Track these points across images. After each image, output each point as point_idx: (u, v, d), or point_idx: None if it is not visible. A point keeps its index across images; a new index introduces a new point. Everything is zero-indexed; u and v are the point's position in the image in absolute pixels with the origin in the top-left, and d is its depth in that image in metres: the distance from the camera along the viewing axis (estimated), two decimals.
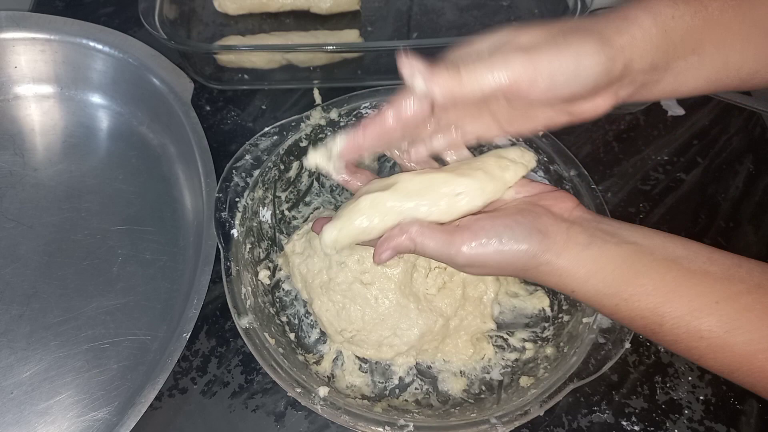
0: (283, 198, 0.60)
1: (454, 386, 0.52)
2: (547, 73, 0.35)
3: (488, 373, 0.53)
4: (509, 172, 0.43)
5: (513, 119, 0.42)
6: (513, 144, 0.55)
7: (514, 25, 0.38)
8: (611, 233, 0.39)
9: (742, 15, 0.39)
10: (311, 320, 0.55)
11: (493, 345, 0.54)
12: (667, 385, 0.54)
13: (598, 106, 0.39)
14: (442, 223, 0.41)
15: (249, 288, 0.51)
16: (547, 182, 0.58)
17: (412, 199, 0.41)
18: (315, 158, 0.44)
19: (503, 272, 0.41)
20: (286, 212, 0.60)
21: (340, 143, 0.42)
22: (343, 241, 0.42)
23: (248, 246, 0.54)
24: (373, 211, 0.41)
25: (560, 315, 0.54)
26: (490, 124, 0.43)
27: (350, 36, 0.73)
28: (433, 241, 0.39)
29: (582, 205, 0.42)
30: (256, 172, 0.55)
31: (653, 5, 0.38)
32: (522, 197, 0.43)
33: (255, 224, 0.56)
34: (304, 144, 0.59)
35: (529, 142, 0.58)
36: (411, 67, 0.37)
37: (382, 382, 0.53)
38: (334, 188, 0.63)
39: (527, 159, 0.44)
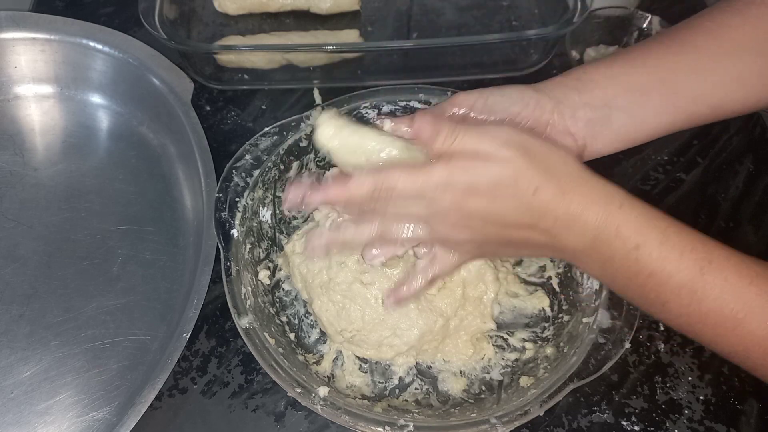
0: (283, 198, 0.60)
1: (454, 386, 0.52)
2: (482, 98, 0.46)
3: (488, 373, 0.53)
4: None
5: None
6: None
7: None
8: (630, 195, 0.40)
9: (690, 50, 0.45)
10: (311, 320, 0.55)
11: (493, 345, 0.54)
12: (667, 385, 0.54)
13: (566, 143, 0.45)
14: None
15: (249, 288, 0.51)
16: None
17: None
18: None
19: (551, 158, 0.40)
20: (286, 212, 0.60)
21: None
22: (331, 144, 0.43)
23: (248, 246, 0.54)
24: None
25: (560, 315, 0.54)
26: None
27: (350, 36, 0.73)
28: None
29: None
30: (256, 172, 0.55)
31: (580, 69, 0.46)
32: None
33: (255, 224, 0.56)
34: (304, 144, 0.59)
35: None
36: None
37: (382, 382, 0.53)
38: None
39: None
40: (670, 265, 0.37)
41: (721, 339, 0.37)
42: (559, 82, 0.46)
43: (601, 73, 0.45)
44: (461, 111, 0.45)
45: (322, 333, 0.55)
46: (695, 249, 0.37)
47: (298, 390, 0.45)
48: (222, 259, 0.51)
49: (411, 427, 0.44)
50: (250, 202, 0.54)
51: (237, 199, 0.54)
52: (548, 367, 0.49)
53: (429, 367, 0.54)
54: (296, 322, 0.55)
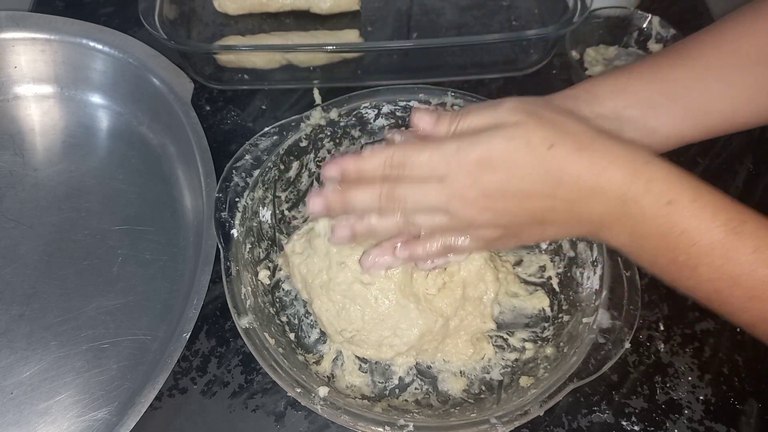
0: (283, 198, 0.60)
1: (454, 386, 0.52)
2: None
3: (488, 373, 0.53)
4: None
5: None
6: None
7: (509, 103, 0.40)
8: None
9: (699, 64, 0.45)
10: (311, 320, 0.55)
11: (493, 345, 0.54)
12: (667, 385, 0.54)
13: None
14: None
15: (249, 288, 0.51)
16: None
17: None
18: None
19: (568, 125, 0.38)
20: (286, 212, 0.60)
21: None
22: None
23: (248, 246, 0.54)
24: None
25: (560, 315, 0.54)
26: None
27: (350, 36, 0.73)
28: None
29: None
30: (256, 172, 0.55)
31: (590, 82, 0.46)
32: None
33: (255, 224, 0.56)
34: (304, 144, 0.59)
35: None
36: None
37: (382, 382, 0.53)
38: None
39: None
40: (703, 223, 0.35)
41: (752, 305, 0.35)
42: (569, 94, 0.45)
43: (611, 84, 0.45)
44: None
45: (322, 333, 0.55)
46: (727, 209, 0.35)
47: (298, 390, 0.45)
48: (222, 259, 0.51)
49: (411, 427, 0.44)
50: (250, 202, 0.54)
51: (237, 199, 0.54)
52: (548, 367, 0.49)
53: (429, 367, 0.54)
54: (296, 322, 0.55)
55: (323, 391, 0.46)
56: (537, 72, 0.75)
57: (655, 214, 0.36)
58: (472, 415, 0.47)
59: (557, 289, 0.56)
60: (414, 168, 0.39)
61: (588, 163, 0.36)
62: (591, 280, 0.52)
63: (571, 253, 0.56)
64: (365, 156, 0.40)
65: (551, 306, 0.56)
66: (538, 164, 0.36)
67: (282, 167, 0.58)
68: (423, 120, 0.40)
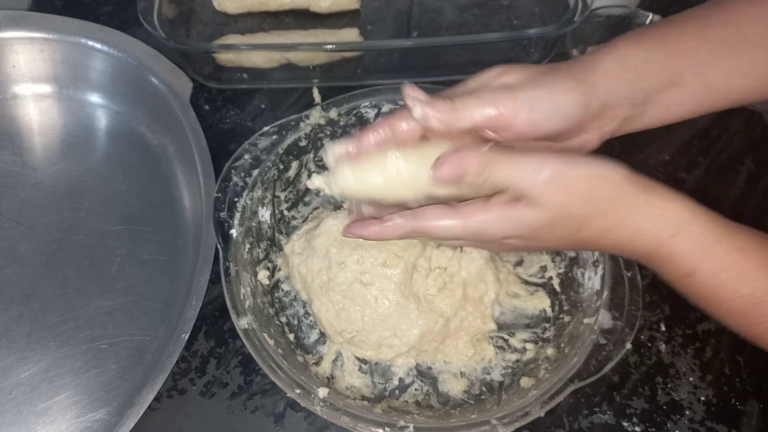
0: (282, 198, 0.60)
1: (454, 387, 0.52)
2: (527, 107, 0.37)
3: (489, 373, 0.53)
4: None
5: None
6: None
7: (500, 66, 0.40)
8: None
9: (721, 39, 0.41)
10: (311, 321, 0.55)
11: (493, 346, 0.54)
12: (668, 385, 0.54)
13: (585, 141, 0.41)
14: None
15: (248, 288, 0.51)
16: None
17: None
18: (317, 181, 0.42)
19: (587, 208, 0.36)
20: (286, 212, 0.60)
21: (333, 154, 0.41)
22: (353, 193, 0.40)
23: (247, 246, 0.54)
24: (397, 176, 0.39)
25: (561, 315, 0.54)
26: None
27: (350, 35, 0.73)
28: (511, 157, 0.36)
29: None
30: (255, 172, 0.55)
31: (621, 51, 0.40)
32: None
33: (254, 224, 0.55)
34: (303, 143, 0.59)
35: None
36: (413, 97, 0.38)
37: (382, 383, 0.52)
38: None
39: None
40: (726, 292, 0.36)
41: None
42: (609, 73, 0.39)
43: (641, 58, 0.40)
44: (495, 121, 0.38)
45: (322, 334, 0.55)
46: (753, 280, 0.35)
47: (298, 391, 0.45)
48: (221, 260, 0.51)
49: (411, 429, 0.44)
50: (249, 202, 0.54)
51: (236, 199, 0.54)
52: (549, 367, 0.49)
53: (429, 368, 0.53)
54: (295, 322, 0.55)
55: (323, 392, 0.46)
56: None
57: (676, 280, 0.38)
58: (473, 416, 0.46)
59: (558, 289, 0.56)
60: (437, 236, 0.40)
61: (612, 242, 0.38)
62: (592, 280, 0.52)
63: (572, 254, 0.55)
64: (388, 231, 0.40)
65: (552, 306, 0.56)
66: (564, 241, 0.38)
67: (281, 167, 0.58)
68: (445, 174, 0.37)
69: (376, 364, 0.53)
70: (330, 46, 0.69)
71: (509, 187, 0.37)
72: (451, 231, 0.39)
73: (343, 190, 0.40)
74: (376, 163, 0.39)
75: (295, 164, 0.59)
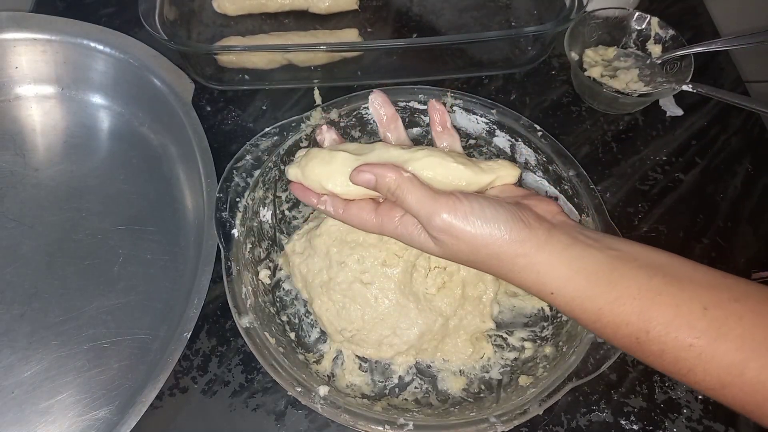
0: (283, 198, 0.60)
1: (453, 385, 0.52)
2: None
3: (487, 372, 0.53)
4: (494, 173, 0.43)
5: None
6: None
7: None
8: (594, 239, 0.38)
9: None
10: (311, 320, 0.56)
11: (492, 344, 0.54)
12: (666, 384, 0.54)
13: None
14: None
15: (249, 288, 0.52)
16: (546, 182, 0.58)
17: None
18: (292, 172, 0.47)
19: (473, 256, 0.39)
20: (287, 212, 0.61)
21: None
22: (306, 182, 0.45)
23: (249, 246, 0.54)
24: (343, 167, 0.42)
25: (559, 314, 0.54)
26: None
27: (349, 35, 0.73)
28: (419, 193, 0.39)
29: (564, 213, 0.42)
30: (257, 173, 0.55)
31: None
32: (505, 196, 0.43)
33: (255, 224, 0.56)
34: (304, 144, 0.59)
35: (528, 142, 0.58)
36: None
37: (382, 381, 0.53)
38: None
39: (513, 172, 0.44)
40: (608, 334, 0.37)
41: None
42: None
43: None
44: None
45: (323, 332, 0.55)
46: (630, 323, 0.35)
47: (299, 389, 0.46)
48: (222, 259, 0.51)
49: (411, 426, 0.44)
50: (250, 202, 0.55)
51: (237, 199, 0.54)
52: (547, 366, 0.49)
53: (429, 366, 0.54)
54: (296, 321, 0.56)
55: (323, 390, 0.46)
56: (536, 72, 0.75)
57: (577, 313, 0.38)
58: (472, 414, 0.47)
59: None
60: (359, 227, 0.44)
61: (531, 262, 0.38)
62: None
63: None
64: (319, 205, 0.46)
65: (550, 305, 0.56)
66: (493, 245, 0.38)
67: (283, 167, 0.58)
68: (361, 178, 0.42)
69: (376, 362, 0.54)
70: (330, 47, 0.70)
71: (414, 215, 0.40)
72: (368, 227, 0.43)
73: (292, 176, 0.46)
74: (324, 158, 0.44)
75: None
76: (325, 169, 0.44)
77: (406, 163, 0.42)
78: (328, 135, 0.47)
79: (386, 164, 0.40)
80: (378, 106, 0.45)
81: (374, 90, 0.45)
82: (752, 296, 0.33)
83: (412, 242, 0.41)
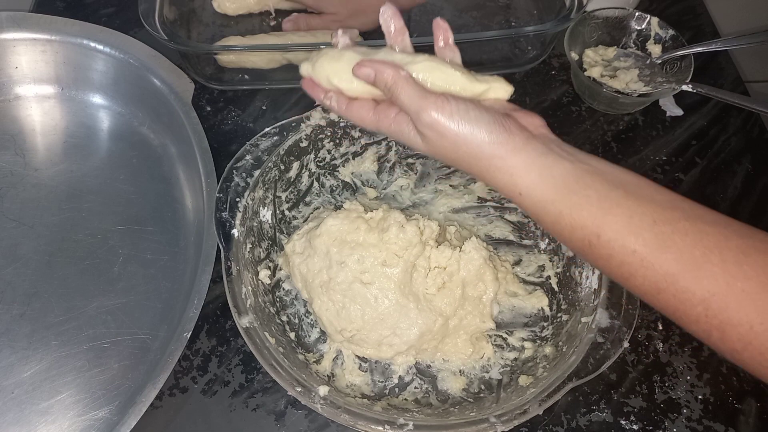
0: (283, 198, 0.60)
1: (453, 385, 0.52)
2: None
3: (487, 372, 0.53)
4: (487, 84, 0.45)
5: None
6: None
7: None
8: (568, 152, 0.40)
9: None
10: (311, 319, 0.56)
11: (492, 344, 0.54)
12: (666, 384, 0.54)
13: None
14: None
15: (249, 287, 0.52)
16: None
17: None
18: (304, 67, 0.48)
19: (454, 154, 0.42)
20: (287, 212, 0.61)
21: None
22: (315, 76, 0.47)
23: (249, 246, 0.54)
24: (349, 65, 0.44)
25: (559, 314, 0.54)
26: None
27: (349, 35, 0.73)
28: (412, 90, 0.41)
29: (548, 128, 0.44)
30: (257, 173, 0.55)
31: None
32: (496, 108, 0.45)
33: (255, 224, 0.56)
34: (304, 144, 0.59)
35: None
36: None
37: (382, 381, 0.53)
38: (334, 188, 0.63)
39: (507, 87, 0.46)
40: (564, 236, 0.39)
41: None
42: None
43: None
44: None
45: (322, 332, 0.55)
46: (585, 227, 0.38)
47: (299, 389, 0.46)
48: (222, 259, 0.51)
49: (410, 426, 0.44)
50: (250, 202, 0.55)
51: (237, 199, 0.54)
52: (547, 366, 0.49)
53: (428, 366, 0.54)
54: (296, 321, 0.56)
55: (323, 390, 0.46)
56: (536, 72, 0.75)
57: (539, 216, 0.41)
58: (472, 414, 0.47)
59: (556, 288, 0.56)
60: (359, 124, 0.47)
61: (505, 165, 0.40)
62: (590, 279, 0.52)
63: (570, 253, 0.56)
64: (324, 101, 0.47)
65: (550, 305, 0.56)
66: (473, 144, 0.41)
67: (282, 167, 0.58)
68: (363, 71, 0.44)
69: (376, 362, 0.54)
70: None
71: (405, 111, 0.42)
72: (367, 123, 0.45)
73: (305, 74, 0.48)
74: (334, 56, 0.46)
75: (296, 165, 0.60)
76: (334, 66, 0.46)
77: (407, 65, 0.44)
78: (342, 39, 0.50)
79: (386, 61, 0.43)
80: (388, 18, 0.47)
81: (387, 2, 0.48)
82: (703, 218, 0.36)
83: (402, 137, 0.44)
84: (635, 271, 0.36)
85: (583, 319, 0.50)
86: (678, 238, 0.35)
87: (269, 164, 0.56)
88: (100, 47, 0.67)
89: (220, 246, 0.52)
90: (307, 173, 0.61)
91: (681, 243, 0.35)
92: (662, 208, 0.36)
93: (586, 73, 0.71)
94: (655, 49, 0.72)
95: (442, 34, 0.48)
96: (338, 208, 0.60)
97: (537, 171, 0.39)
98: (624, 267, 0.36)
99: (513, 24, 0.79)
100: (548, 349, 0.51)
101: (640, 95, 0.68)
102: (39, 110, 0.69)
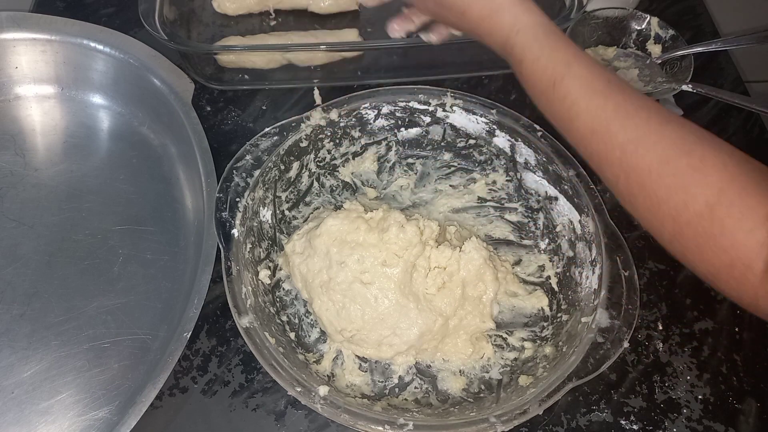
0: (283, 198, 0.60)
1: (453, 385, 0.52)
2: None
3: (487, 372, 0.53)
4: None
5: None
6: None
7: None
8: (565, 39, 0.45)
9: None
10: (311, 319, 0.56)
11: (492, 344, 0.54)
12: (666, 384, 0.54)
13: None
14: None
15: (249, 287, 0.52)
16: (546, 182, 0.58)
17: None
18: None
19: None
20: (287, 212, 0.61)
21: None
22: None
23: (249, 246, 0.54)
24: None
25: (559, 314, 0.54)
26: None
27: (349, 35, 0.73)
28: None
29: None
30: (257, 173, 0.56)
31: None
32: None
33: (255, 224, 0.56)
34: (304, 144, 0.59)
35: (528, 142, 0.58)
36: None
37: (382, 381, 0.53)
38: (334, 188, 0.63)
39: None
40: (536, 75, 0.45)
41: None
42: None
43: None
44: None
45: (322, 332, 0.55)
46: (554, 71, 0.43)
47: (299, 389, 0.46)
48: (222, 259, 0.51)
49: (410, 426, 0.44)
50: (250, 202, 0.55)
51: (237, 199, 0.54)
52: (547, 366, 0.49)
53: (428, 366, 0.54)
54: (296, 321, 0.56)
55: (323, 390, 0.46)
56: None
57: (516, 72, 0.47)
58: (472, 414, 0.47)
59: (556, 288, 0.56)
60: None
61: (486, 29, 0.49)
62: (590, 279, 0.52)
63: (570, 253, 0.56)
64: None
65: (550, 305, 0.56)
66: (457, 22, 0.52)
67: (282, 167, 0.58)
68: None
69: (376, 362, 0.54)
70: (329, 46, 0.70)
71: None
72: None
73: None
74: None
75: (296, 165, 0.60)
76: None
77: None
78: None
79: None
80: None
81: None
82: (656, 104, 0.41)
83: None
84: (576, 115, 0.42)
85: (583, 319, 0.50)
86: (621, 97, 0.41)
87: (269, 164, 0.56)
88: (100, 47, 0.67)
89: (220, 246, 0.52)
90: (307, 173, 0.61)
91: (621, 99, 0.40)
92: (628, 86, 0.42)
93: None
94: (655, 49, 0.72)
95: None
96: (338, 208, 0.60)
97: (531, 29, 0.45)
98: (571, 111, 0.42)
99: None
100: (548, 349, 0.51)
101: None
102: (39, 110, 0.69)
